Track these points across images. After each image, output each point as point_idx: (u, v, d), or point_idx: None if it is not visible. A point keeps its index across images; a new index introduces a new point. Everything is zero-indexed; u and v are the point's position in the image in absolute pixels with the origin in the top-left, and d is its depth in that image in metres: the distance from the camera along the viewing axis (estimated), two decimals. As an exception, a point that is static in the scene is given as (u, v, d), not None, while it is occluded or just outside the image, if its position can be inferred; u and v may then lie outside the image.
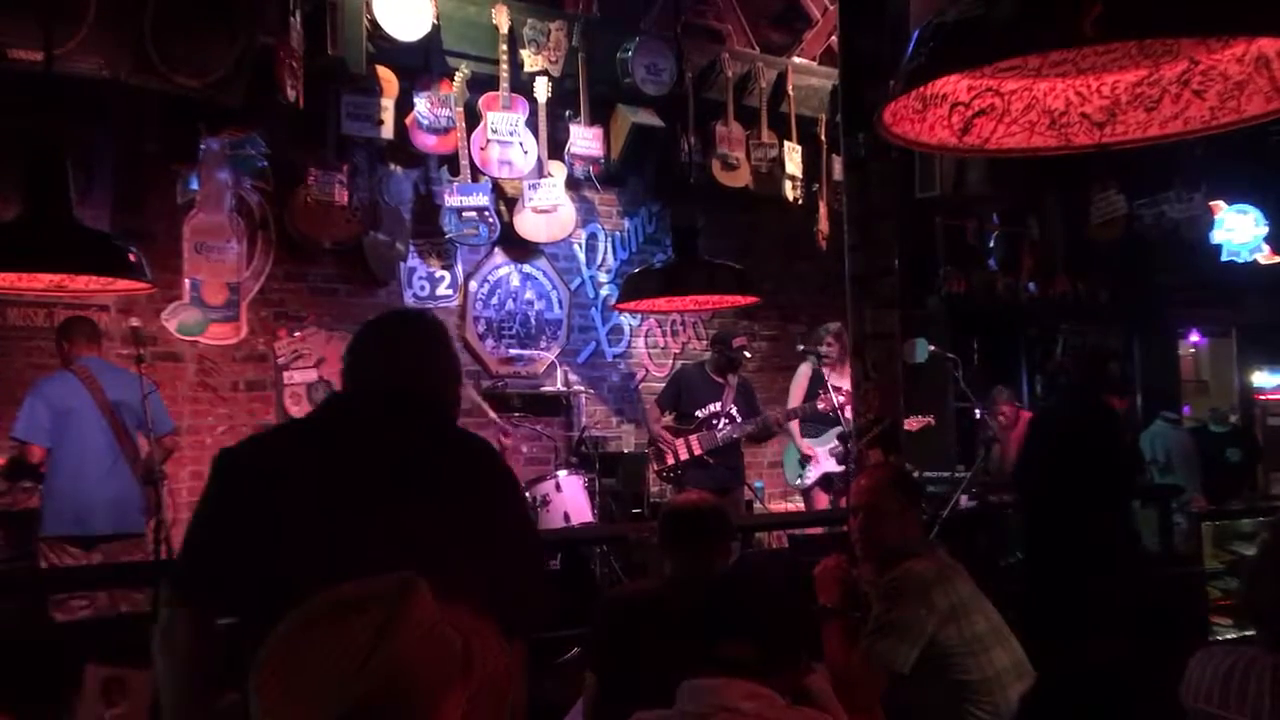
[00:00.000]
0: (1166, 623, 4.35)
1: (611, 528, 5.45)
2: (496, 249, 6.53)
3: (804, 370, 6.09)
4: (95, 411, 4.57)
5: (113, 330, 5.26)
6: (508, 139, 5.93)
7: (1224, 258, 8.38)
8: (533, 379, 6.65)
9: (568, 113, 6.22)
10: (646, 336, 7.21)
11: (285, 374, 5.85)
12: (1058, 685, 2.64)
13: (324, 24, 5.20)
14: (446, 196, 5.92)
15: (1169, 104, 1.65)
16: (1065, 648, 3.29)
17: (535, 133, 6.01)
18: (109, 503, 4.56)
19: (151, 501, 4.58)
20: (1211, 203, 8.17)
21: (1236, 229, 8.37)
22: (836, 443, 5.82)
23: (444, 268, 6.39)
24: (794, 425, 6.06)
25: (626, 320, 7.09)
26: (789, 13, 7.68)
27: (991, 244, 8.25)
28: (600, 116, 6.32)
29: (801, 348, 6.14)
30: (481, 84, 5.96)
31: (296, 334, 5.89)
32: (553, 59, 6.05)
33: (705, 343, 7.00)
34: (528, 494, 5.26)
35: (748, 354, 6.03)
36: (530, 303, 6.71)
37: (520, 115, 5.96)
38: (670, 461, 5.76)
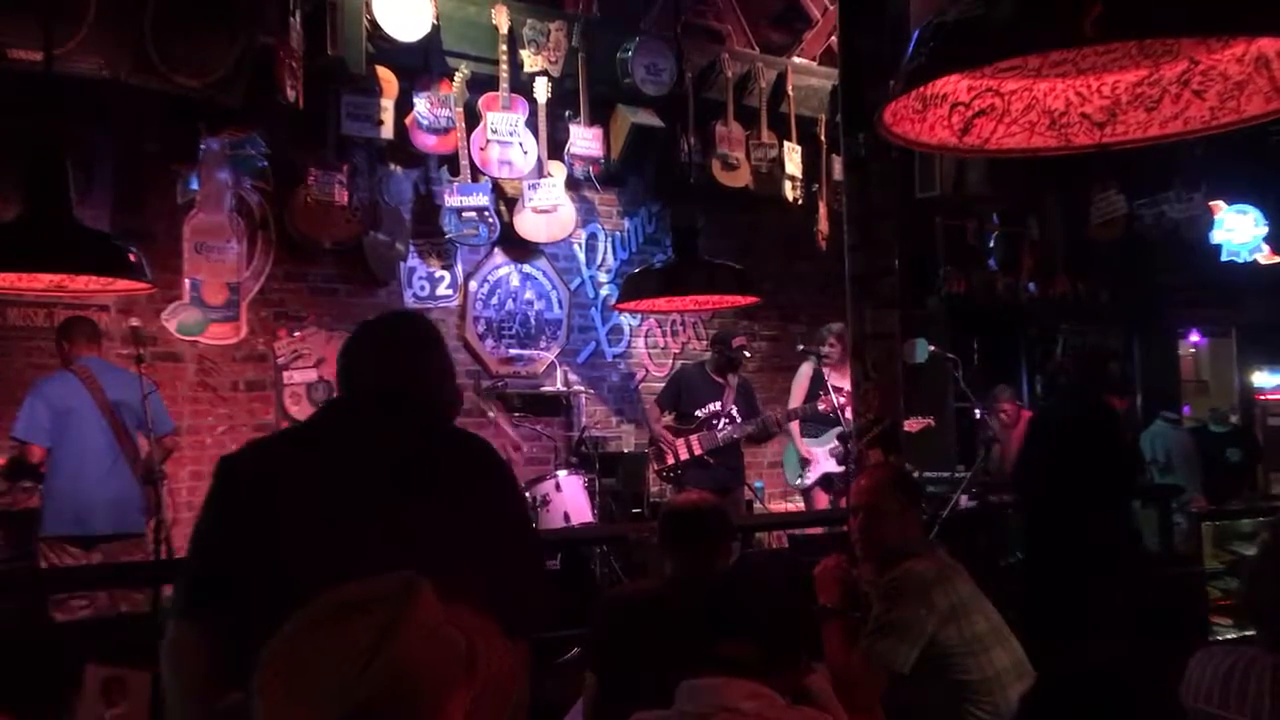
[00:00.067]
0: (1166, 623, 4.35)
1: (611, 528, 5.45)
2: (496, 249, 6.53)
3: (805, 370, 6.09)
4: (95, 411, 4.57)
5: (113, 330, 5.26)
6: (508, 139, 5.93)
7: (1224, 258, 8.38)
8: (533, 379, 6.65)
9: (568, 113, 6.22)
10: (646, 336, 7.21)
11: (285, 374, 5.85)
12: (1058, 685, 2.64)
13: (324, 24, 5.20)
14: (446, 196, 5.92)
15: (1169, 104, 1.65)
16: (1065, 648, 3.28)
17: (535, 133, 6.01)
18: (109, 503, 4.56)
19: (151, 501, 4.58)
20: (1211, 203, 8.17)
21: (1236, 229, 8.37)
22: (836, 443, 5.82)
23: (444, 268, 6.39)
24: (794, 425, 6.06)
25: (626, 320, 7.09)
26: (789, 13, 7.68)
27: (991, 244, 8.25)
28: (600, 116, 6.32)
29: (802, 348, 6.14)
30: (481, 84, 5.96)
31: (296, 334, 5.89)
32: (553, 59, 6.05)
33: (705, 343, 7.00)
34: (528, 494, 5.25)
35: (747, 354, 6.04)
36: (530, 303, 6.71)
37: (520, 115, 5.96)
38: (671, 461, 5.77)
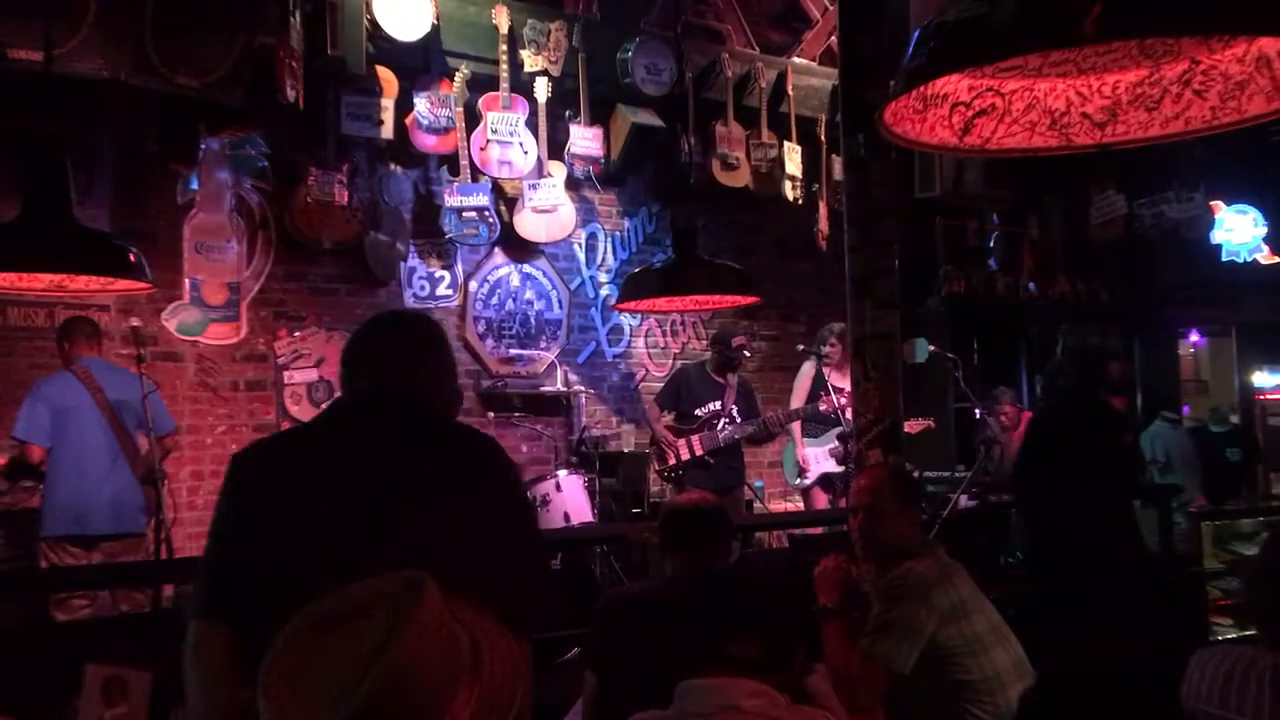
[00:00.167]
0: (1166, 623, 4.35)
1: (611, 528, 5.45)
2: (496, 249, 6.53)
3: (807, 369, 6.09)
4: (95, 411, 4.57)
5: (113, 330, 5.26)
6: (508, 139, 5.93)
7: (1224, 258, 8.38)
8: (533, 379, 6.65)
9: (568, 113, 6.22)
10: (646, 336, 7.21)
11: (285, 374, 5.85)
12: (1058, 685, 2.64)
13: (324, 24, 5.20)
14: (446, 196, 5.91)
15: (1170, 104, 1.65)
16: (1065, 648, 3.28)
17: (535, 133, 6.01)
18: (109, 503, 4.56)
19: (152, 501, 4.58)
20: (1211, 203, 8.17)
21: (1236, 229, 8.37)
22: (836, 443, 5.82)
23: (444, 268, 6.39)
24: (795, 425, 6.07)
25: (626, 320, 7.09)
26: (789, 13, 7.69)
27: (991, 244, 8.25)
28: (600, 116, 6.32)
29: (802, 348, 6.15)
30: (481, 84, 5.96)
31: (296, 334, 5.89)
32: (553, 59, 6.05)
33: (705, 343, 7.00)
34: (528, 493, 5.26)
35: (747, 353, 6.05)
36: (530, 303, 6.71)
37: (520, 115, 5.96)
38: (672, 461, 5.77)
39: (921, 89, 1.62)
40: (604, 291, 6.98)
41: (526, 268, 6.69)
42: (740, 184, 6.72)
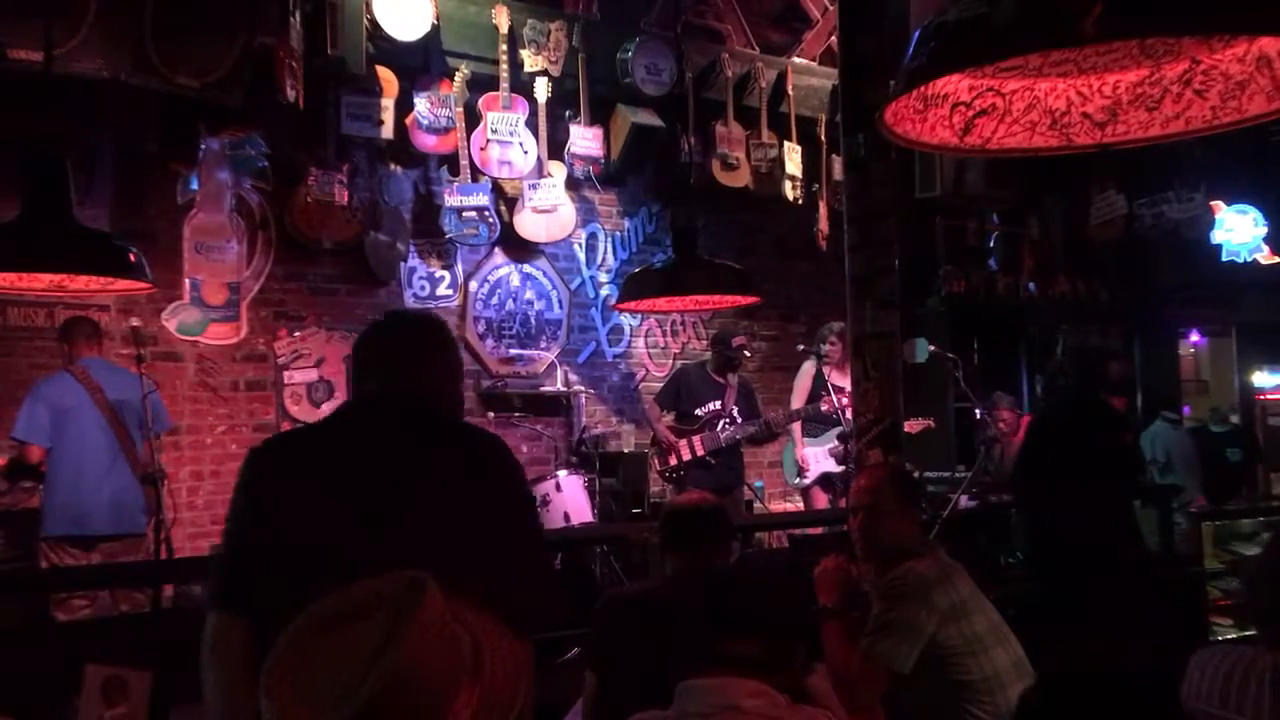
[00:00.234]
0: (1166, 623, 4.35)
1: (611, 528, 5.45)
2: (496, 249, 6.53)
3: (807, 368, 6.09)
4: (95, 411, 4.57)
5: (113, 330, 5.26)
6: (508, 139, 5.93)
7: (1224, 258, 8.38)
8: (533, 379, 6.65)
9: (568, 113, 6.22)
10: (646, 336, 7.21)
11: (285, 374, 5.85)
12: (1058, 685, 2.63)
13: (324, 24, 5.20)
14: (446, 196, 5.91)
15: (1170, 104, 1.65)
16: (1065, 648, 3.28)
17: (535, 133, 6.01)
18: (109, 503, 4.56)
19: (151, 501, 4.58)
20: (1211, 203, 8.17)
21: (1236, 229, 8.37)
22: (836, 442, 5.83)
23: (444, 268, 6.39)
24: (795, 425, 6.07)
25: (626, 320, 7.09)
26: (789, 13, 7.69)
27: (991, 244, 8.25)
28: (600, 116, 6.32)
29: (802, 348, 6.14)
30: (481, 84, 5.96)
31: (296, 334, 5.89)
32: (553, 59, 6.05)
33: (705, 343, 7.00)
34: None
35: (747, 354, 6.05)
36: (530, 303, 6.71)
37: (520, 115, 5.96)
38: (674, 461, 5.78)
39: (922, 89, 1.62)
40: (604, 291, 6.98)
41: (526, 268, 6.70)
42: (740, 184, 6.72)
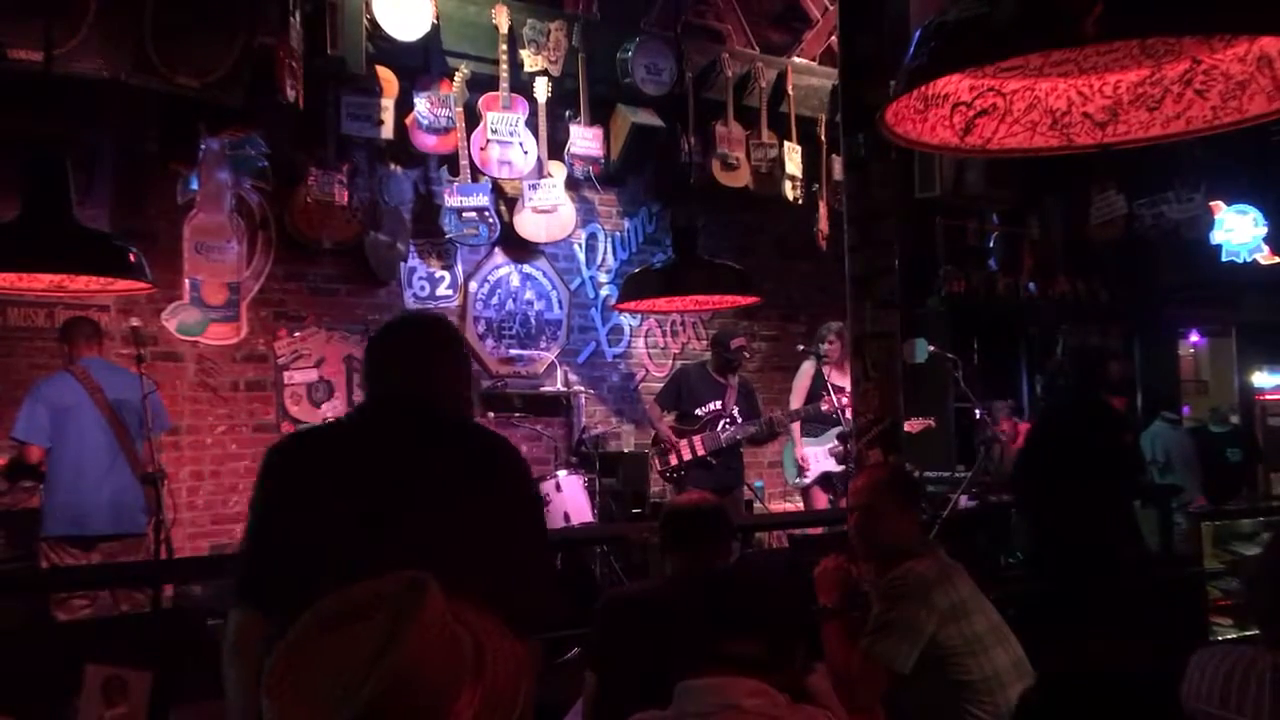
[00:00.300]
0: (1166, 623, 4.35)
1: (611, 528, 5.46)
2: (496, 249, 6.52)
3: (807, 368, 6.10)
4: (95, 411, 4.57)
5: (113, 330, 5.26)
6: (508, 139, 5.93)
7: (1224, 258, 8.38)
8: (533, 379, 6.65)
9: (568, 113, 6.22)
10: (646, 336, 7.21)
11: (285, 374, 5.85)
12: (1058, 685, 2.63)
13: (324, 24, 5.20)
14: (446, 196, 5.91)
15: (1171, 104, 1.65)
16: (1065, 648, 3.28)
17: (535, 133, 6.00)
18: (109, 503, 4.56)
19: (151, 501, 4.58)
20: (1211, 203, 8.18)
21: (1236, 229, 8.37)
22: (836, 442, 5.83)
23: (444, 268, 6.39)
24: (794, 425, 6.07)
25: (626, 320, 7.09)
26: (789, 13, 7.69)
27: (991, 244, 8.25)
28: (600, 116, 6.32)
29: (802, 347, 6.14)
30: (481, 84, 5.96)
31: (296, 334, 5.89)
32: (553, 59, 6.05)
33: (705, 343, 7.00)
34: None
35: (747, 354, 6.05)
36: (530, 303, 6.71)
37: (520, 115, 5.96)
38: (675, 461, 5.78)
39: (922, 89, 1.62)
40: (604, 292, 6.98)
41: (526, 268, 6.69)
42: (740, 184, 6.71)
